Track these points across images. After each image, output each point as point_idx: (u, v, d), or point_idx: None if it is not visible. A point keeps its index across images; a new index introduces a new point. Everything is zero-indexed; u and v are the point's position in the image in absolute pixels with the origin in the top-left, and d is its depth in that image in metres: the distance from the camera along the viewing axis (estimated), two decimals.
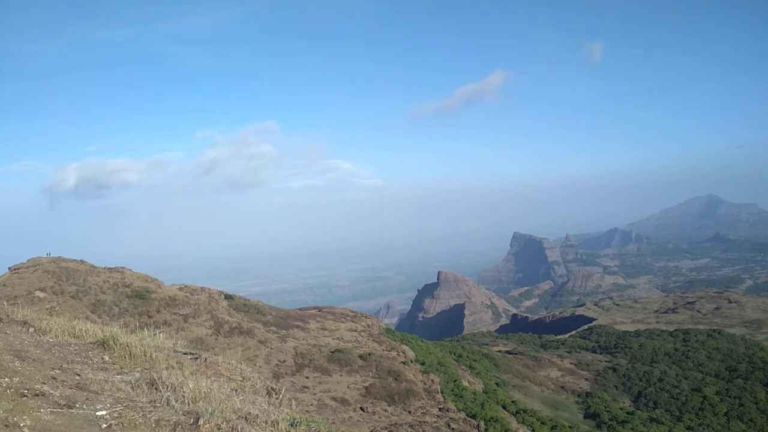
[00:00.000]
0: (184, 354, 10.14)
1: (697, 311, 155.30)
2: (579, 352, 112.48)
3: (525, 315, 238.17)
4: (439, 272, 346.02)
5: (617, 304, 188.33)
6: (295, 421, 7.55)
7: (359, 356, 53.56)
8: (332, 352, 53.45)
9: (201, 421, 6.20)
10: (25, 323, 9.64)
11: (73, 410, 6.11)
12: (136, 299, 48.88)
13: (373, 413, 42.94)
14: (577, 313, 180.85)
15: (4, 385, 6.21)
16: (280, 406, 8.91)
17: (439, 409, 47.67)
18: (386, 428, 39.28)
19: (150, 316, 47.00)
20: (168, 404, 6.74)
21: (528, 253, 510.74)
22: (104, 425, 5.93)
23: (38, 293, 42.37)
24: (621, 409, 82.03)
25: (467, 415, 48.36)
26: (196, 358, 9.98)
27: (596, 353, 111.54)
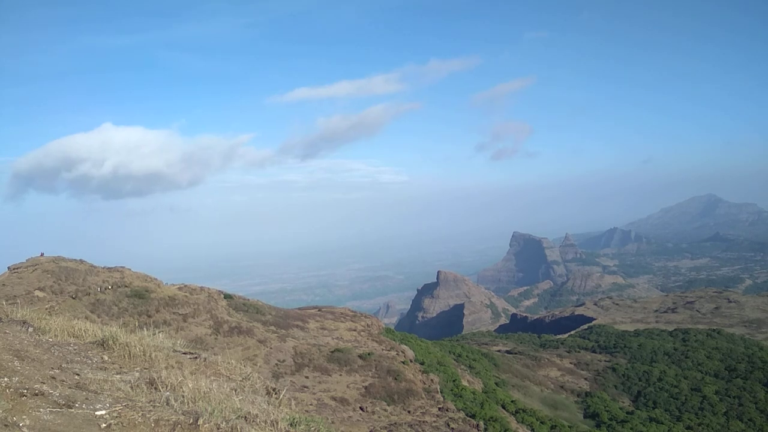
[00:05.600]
0: (184, 353, 10.13)
1: (697, 311, 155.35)
2: (578, 352, 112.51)
3: (524, 314, 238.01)
4: (438, 272, 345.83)
5: (617, 304, 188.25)
6: (295, 420, 7.55)
7: (359, 356, 53.56)
8: (332, 351, 53.46)
9: (200, 421, 6.19)
10: (24, 323, 9.63)
11: (72, 410, 6.11)
12: (136, 299, 48.86)
13: (373, 413, 42.95)
14: (576, 313, 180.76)
15: (4, 384, 6.20)
16: (280, 405, 8.91)
17: (439, 408, 47.68)
18: (386, 428, 39.29)
19: (149, 316, 46.99)
20: (167, 404, 6.74)
21: (527, 253, 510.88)
22: (103, 425, 5.93)
23: (37, 293, 42.34)
24: (620, 408, 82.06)
25: (467, 415, 48.36)
26: (196, 357, 9.97)
27: (596, 353, 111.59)
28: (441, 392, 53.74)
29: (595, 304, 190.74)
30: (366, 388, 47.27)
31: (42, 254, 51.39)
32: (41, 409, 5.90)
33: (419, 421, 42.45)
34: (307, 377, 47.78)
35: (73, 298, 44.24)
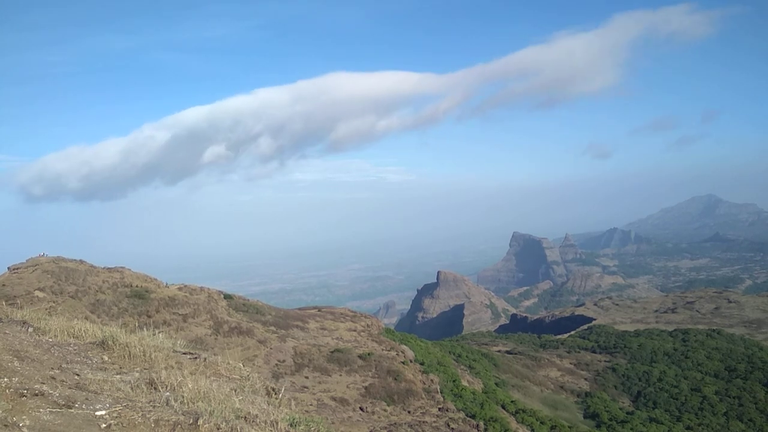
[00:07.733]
0: (184, 354, 10.13)
1: (697, 311, 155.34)
2: (578, 352, 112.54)
3: (524, 315, 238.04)
4: (438, 272, 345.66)
5: (616, 304, 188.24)
6: (295, 420, 7.56)
7: (359, 356, 53.58)
8: (332, 351, 53.48)
9: (200, 421, 6.19)
10: (24, 323, 9.64)
11: (72, 410, 6.11)
12: (136, 299, 48.88)
13: (373, 413, 42.96)
14: (576, 313, 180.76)
15: (4, 384, 6.21)
16: (280, 405, 8.92)
17: (439, 408, 47.70)
18: (386, 428, 39.29)
19: (149, 316, 47.01)
20: (167, 404, 6.75)
21: (527, 253, 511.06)
22: (103, 425, 5.93)
23: (37, 293, 42.35)
24: (620, 409, 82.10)
25: (467, 415, 48.39)
26: (196, 357, 9.97)
27: (596, 353, 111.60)
28: (441, 392, 53.77)
29: (595, 305, 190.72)
30: (366, 388, 47.29)
31: (43, 254, 51.47)
32: (41, 410, 5.90)
33: (419, 422, 42.47)
34: (307, 377, 47.80)
35: (73, 298, 44.26)
